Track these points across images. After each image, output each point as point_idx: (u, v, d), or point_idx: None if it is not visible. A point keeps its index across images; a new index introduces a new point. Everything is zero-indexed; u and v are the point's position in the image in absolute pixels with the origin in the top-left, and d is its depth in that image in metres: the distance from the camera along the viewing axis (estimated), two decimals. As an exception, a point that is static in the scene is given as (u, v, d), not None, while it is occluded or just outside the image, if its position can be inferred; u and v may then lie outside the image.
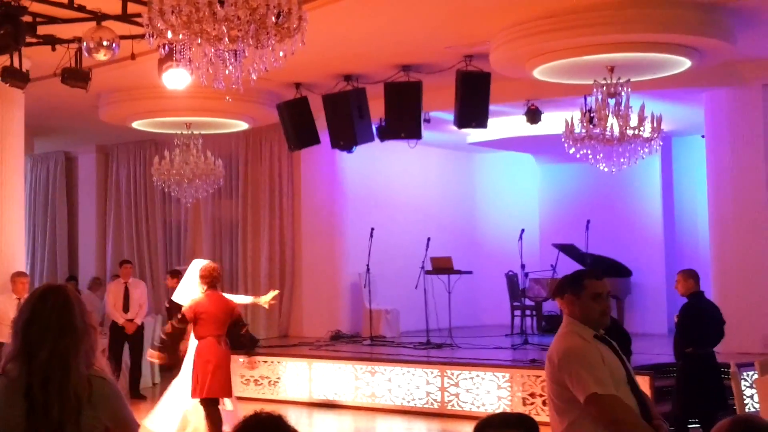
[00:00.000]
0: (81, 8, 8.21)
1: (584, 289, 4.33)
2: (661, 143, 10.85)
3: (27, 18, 8.09)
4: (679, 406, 9.03)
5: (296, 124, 12.92)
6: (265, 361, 13.07)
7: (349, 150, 13.39)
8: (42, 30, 8.72)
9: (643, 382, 10.03)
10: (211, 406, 8.93)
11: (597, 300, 4.34)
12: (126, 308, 13.31)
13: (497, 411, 11.15)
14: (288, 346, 14.12)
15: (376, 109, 12.28)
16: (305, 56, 7.54)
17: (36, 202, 18.90)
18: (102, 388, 3.26)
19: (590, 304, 4.32)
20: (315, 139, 13.10)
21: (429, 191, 17.68)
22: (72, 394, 3.17)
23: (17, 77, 8.83)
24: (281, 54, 6.06)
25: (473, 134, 15.54)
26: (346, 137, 12.50)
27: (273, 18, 5.80)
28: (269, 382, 13.01)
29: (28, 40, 8.31)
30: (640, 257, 15.83)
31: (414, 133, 12.13)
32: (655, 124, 10.51)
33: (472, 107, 11.69)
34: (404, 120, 12.03)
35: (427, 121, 12.81)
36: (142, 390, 13.39)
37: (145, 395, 13.25)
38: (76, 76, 9.04)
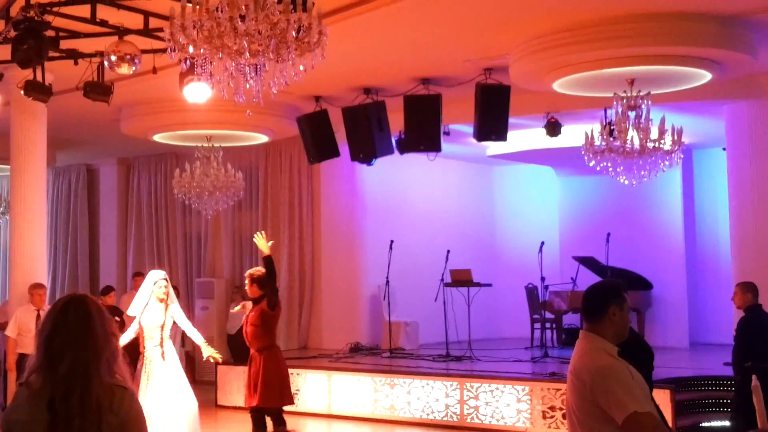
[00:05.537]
0: (103, 23, 8.28)
1: (625, 301, 4.30)
2: (682, 156, 10.82)
3: (50, 33, 8.17)
4: (742, 421, 9.03)
5: (316, 136, 12.96)
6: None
7: (369, 162, 13.42)
8: (65, 44, 8.80)
9: (664, 396, 9.99)
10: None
11: (629, 312, 4.34)
12: None
13: (517, 424, 11.13)
14: (307, 358, 14.13)
15: (396, 122, 12.31)
16: (325, 70, 7.59)
17: (58, 214, 19.01)
18: (123, 398, 3.29)
19: (627, 316, 4.31)
20: (335, 152, 13.14)
21: (448, 204, 17.68)
22: (94, 404, 3.20)
23: (40, 91, 8.90)
24: (301, 68, 6.09)
25: (493, 147, 15.54)
26: (366, 150, 12.53)
27: (293, 33, 5.84)
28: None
29: (51, 54, 8.38)
30: (661, 270, 15.75)
31: (433, 146, 12.15)
32: (675, 137, 10.48)
33: (492, 120, 11.70)
34: (424, 133, 12.06)
35: (447, 133, 12.82)
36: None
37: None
38: (98, 89, 9.11)
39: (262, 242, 9.03)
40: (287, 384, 9.35)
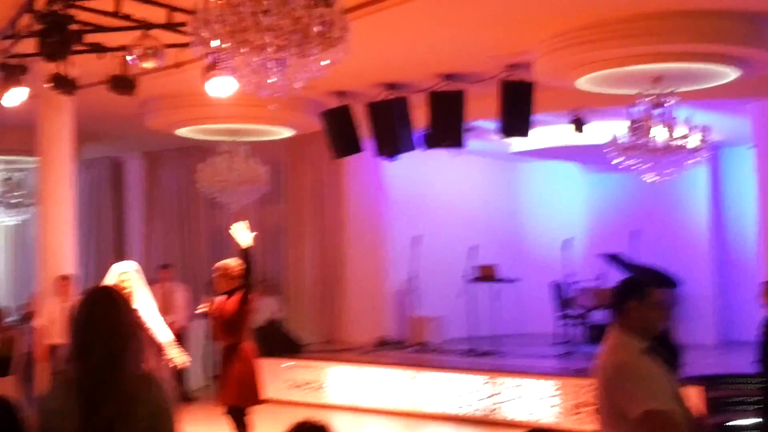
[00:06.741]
0: (127, 17, 8.30)
1: (646, 297, 4.22)
2: (708, 153, 10.73)
3: (75, 27, 8.20)
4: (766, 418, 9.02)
5: (340, 132, 12.95)
6: (309, 366, 13.14)
7: (392, 158, 13.41)
8: (89, 38, 8.83)
9: (696, 394, 9.94)
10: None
11: (658, 309, 4.22)
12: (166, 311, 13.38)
13: (543, 420, 11.10)
14: (333, 351, 14.17)
15: (420, 118, 12.28)
16: (349, 65, 7.53)
17: (83, 206, 19.11)
18: (153, 388, 3.35)
19: (651, 312, 4.20)
20: (358, 148, 13.12)
21: (473, 199, 17.63)
22: (124, 394, 3.26)
23: (66, 85, 8.94)
24: (324, 63, 6.08)
25: (516, 143, 15.48)
26: (390, 146, 12.51)
27: (316, 28, 5.83)
28: (314, 386, 13.06)
29: (76, 48, 8.41)
30: (688, 268, 15.61)
31: (457, 142, 12.11)
32: (702, 135, 10.40)
33: (515, 117, 11.61)
34: (447, 129, 12.01)
35: (471, 130, 12.78)
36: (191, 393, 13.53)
37: (195, 397, 13.41)
38: (122, 83, 9.13)
39: (244, 233, 8.38)
40: (260, 382, 8.50)
